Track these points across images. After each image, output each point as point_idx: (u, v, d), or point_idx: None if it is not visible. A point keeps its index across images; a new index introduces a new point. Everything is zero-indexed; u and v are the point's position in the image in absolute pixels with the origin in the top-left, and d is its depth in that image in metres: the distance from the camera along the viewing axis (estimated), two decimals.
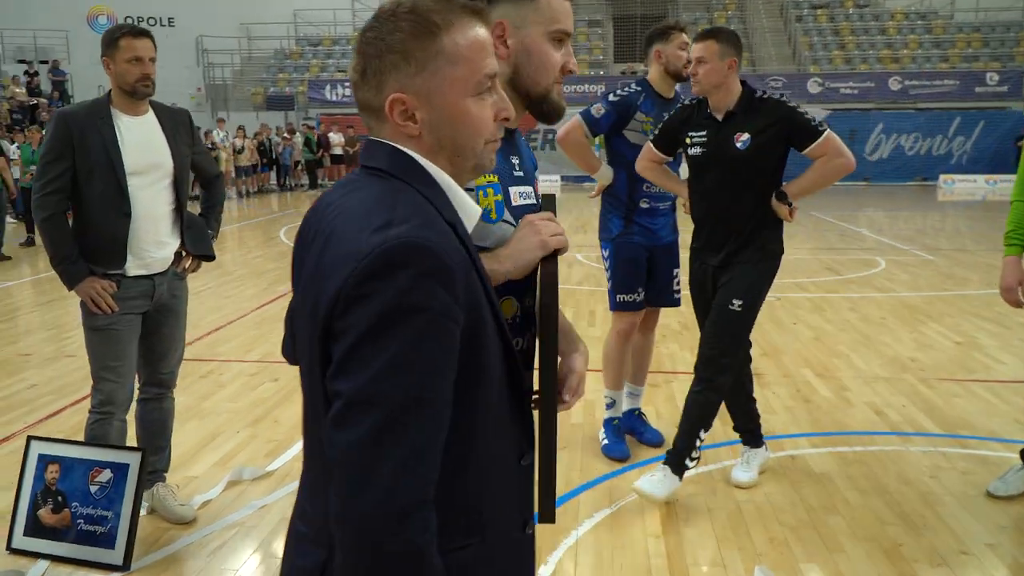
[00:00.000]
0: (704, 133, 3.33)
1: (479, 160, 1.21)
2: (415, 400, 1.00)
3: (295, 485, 3.45)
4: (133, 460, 3.01)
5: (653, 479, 3.36)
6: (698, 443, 3.37)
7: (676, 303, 4.14)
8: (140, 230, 3.11)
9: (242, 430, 4.36)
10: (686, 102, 3.52)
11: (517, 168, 1.66)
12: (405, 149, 1.17)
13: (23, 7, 23.57)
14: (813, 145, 3.19)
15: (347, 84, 24.04)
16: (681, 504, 3.47)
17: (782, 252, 3.40)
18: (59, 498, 2.99)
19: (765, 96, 3.26)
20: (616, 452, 3.96)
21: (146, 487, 3.25)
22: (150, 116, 3.17)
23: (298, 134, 22.45)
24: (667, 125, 3.51)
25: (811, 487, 3.62)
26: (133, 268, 3.12)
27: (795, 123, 3.19)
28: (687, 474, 3.45)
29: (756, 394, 3.72)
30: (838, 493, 3.56)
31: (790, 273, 8.87)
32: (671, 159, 3.65)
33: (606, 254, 4.01)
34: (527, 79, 1.61)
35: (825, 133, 3.17)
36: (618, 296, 3.98)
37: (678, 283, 4.09)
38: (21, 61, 22.68)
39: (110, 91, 3.10)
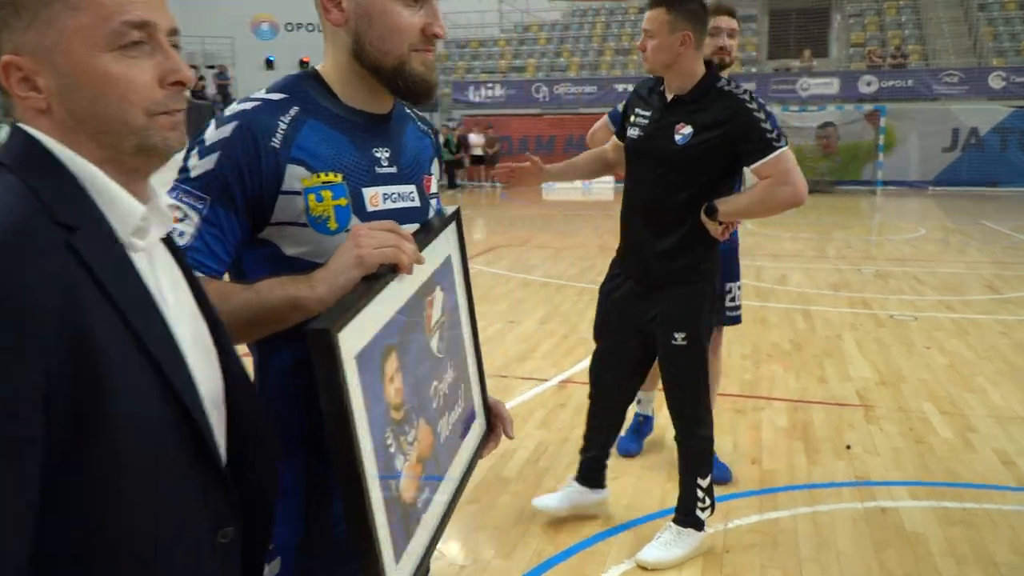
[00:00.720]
0: (648, 114, 2.73)
1: (142, 138, 0.88)
2: None
3: None
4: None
5: (657, 543, 2.93)
6: (700, 493, 2.90)
7: (732, 321, 3.63)
8: None
9: None
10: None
11: (385, 163, 1.33)
12: (31, 130, 0.86)
13: (193, 15, 25.23)
14: (761, 162, 2.55)
15: (490, 85, 24.49)
16: (732, 558, 2.98)
17: (716, 272, 2.84)
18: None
19: (727, 88, 2.63)
20: (620, 445, 3.72)
21: None
22: None
23: (439, 135, 22.81)
24: (627, 99, 2.91)
25: (897, 548, 3.03)
26: None
27: (748, 128, 2.55)
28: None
29: (859, 426, 3.16)
30: (928, 559, 2.95)
31: (937, 289, 7.90)
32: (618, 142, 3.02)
33: None
34: (372, 49, 1.27)
35: (779, 152, 2.54)
36: None
37: (733, 298, 3.60)
38: (191, 66, 24.28)
39: None
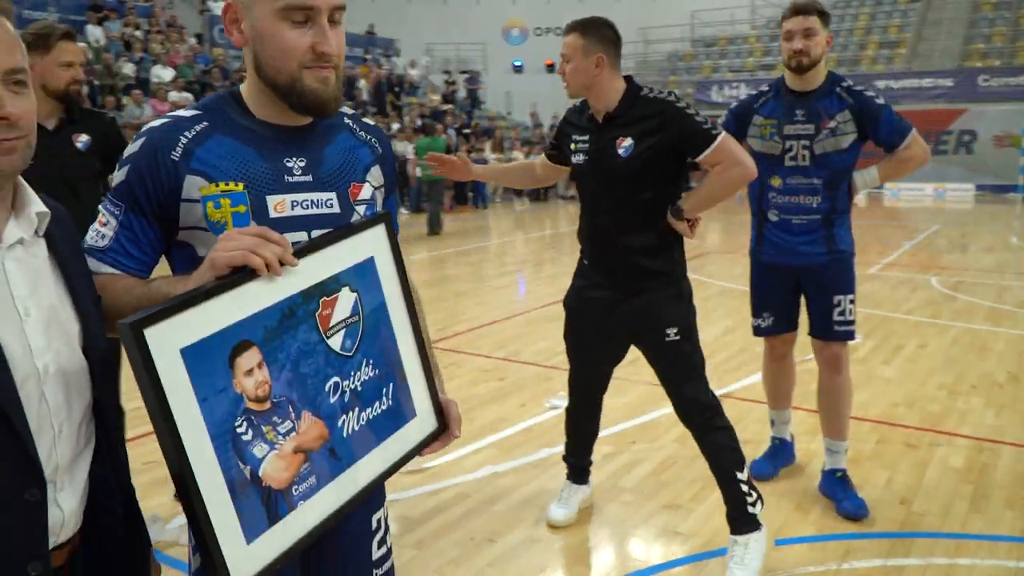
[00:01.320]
0: (586, 138, 2.83)
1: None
2: None
3: (441, 485, 3.42)
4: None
5: (735, 564, 2.80)
6: (744, 487, 2.83)
7: (842, 336, 3.31)
8: None
9: None
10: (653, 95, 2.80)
11: (299, 172, 1.43)
12: None
13: (449, 23, 26.94)
14: (706, 152, 2.64)
15: (735, 85, 23.69)
16: None
17: (685, 268, 2.92)
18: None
19: (652, 95, 2.72)
20: (754, 467, 3.56)
21: None
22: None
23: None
24: (558, 128, 3.04)
25: None
26: None
27: (684, 126, 2.65)
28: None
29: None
30: None
31: None
32: (568, 169, 3.03)
33: None
34: (267, 68, 1.38)
35: (719, 139, 2.64)
36: (753, 319, 3.54)
37: (843, 312, 3.28)
38: (446, 71, 25.91)
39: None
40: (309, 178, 1.44)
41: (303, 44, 1.35)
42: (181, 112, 1.43)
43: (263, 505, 1.26)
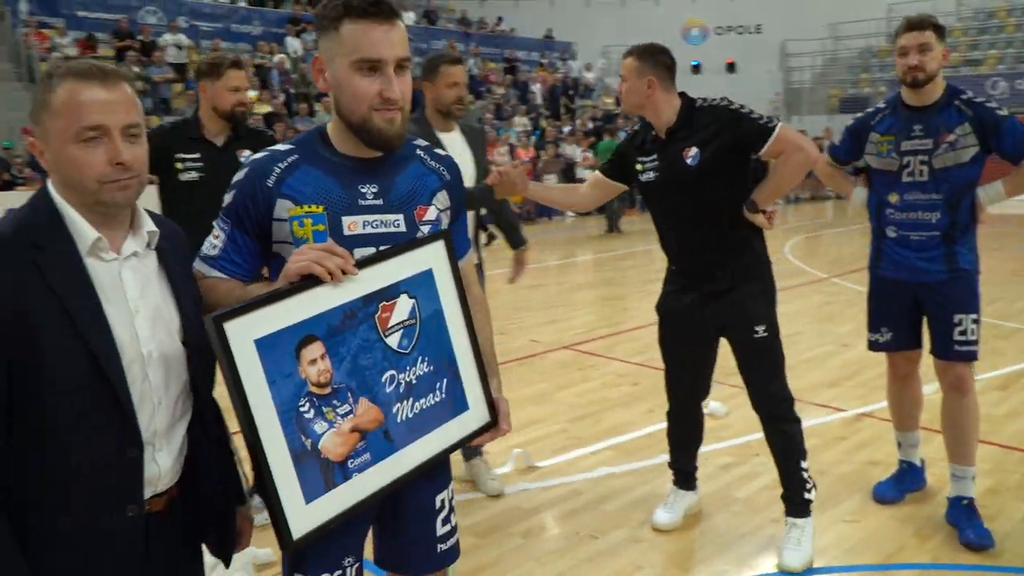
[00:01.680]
0: (654, 156, 3.00)
1: (98, 196, 1.36)
2: None
3: (556, 481, 3.61)
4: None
5: (792, 546, 3.04)
6: (805, 475, 3.09)
7: (962, 356, 3.15)
8: None
9: (563, 423, 4.63)
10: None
11: (371, 196, 1.66)
12: (48, 181, 1.38)
13: (627, 25, 26.83)
14: (768, 144, 2.82)
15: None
16: None
17: (769, 262, 3.08)
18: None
19: (706, 104, 2.92)
20: (877, 490, 3.59)
21: (466, 459, 3.75)
22: (457, 133, 3.59)
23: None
24: (618, 149, 3.25)
25: None
26: None
27: (742, 125, 2.84)
28: None
29: None
30: None
31: None
32: (625, 188, 3.28)
33: None
34: (344, 110, 1.62)
35: (777, 129, 2.81)
36: (868, 333, 3.46)
37: (963, 331, 3.13)
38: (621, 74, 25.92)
39: (424, 109, 3.60)
40: (380, 202, 1.67)
41: (372, 90, 1.58)
42: (279, 147, 1.70)
43: (321, 473, 1.50)
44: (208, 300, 1.61)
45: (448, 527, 1.89)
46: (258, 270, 1.71)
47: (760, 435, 3.17)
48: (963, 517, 3.22)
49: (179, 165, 3.30)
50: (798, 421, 3.08)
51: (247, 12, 18.78)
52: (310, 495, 1.49)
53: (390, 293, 1.60)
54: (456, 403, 1.74)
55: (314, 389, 1.49)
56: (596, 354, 6.08)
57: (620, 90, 3.01)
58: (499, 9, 26.54)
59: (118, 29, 15.55)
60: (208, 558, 1.67)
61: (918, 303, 3.27)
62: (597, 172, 3.36)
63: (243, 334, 1.41)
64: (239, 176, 1.67)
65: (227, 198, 1.68)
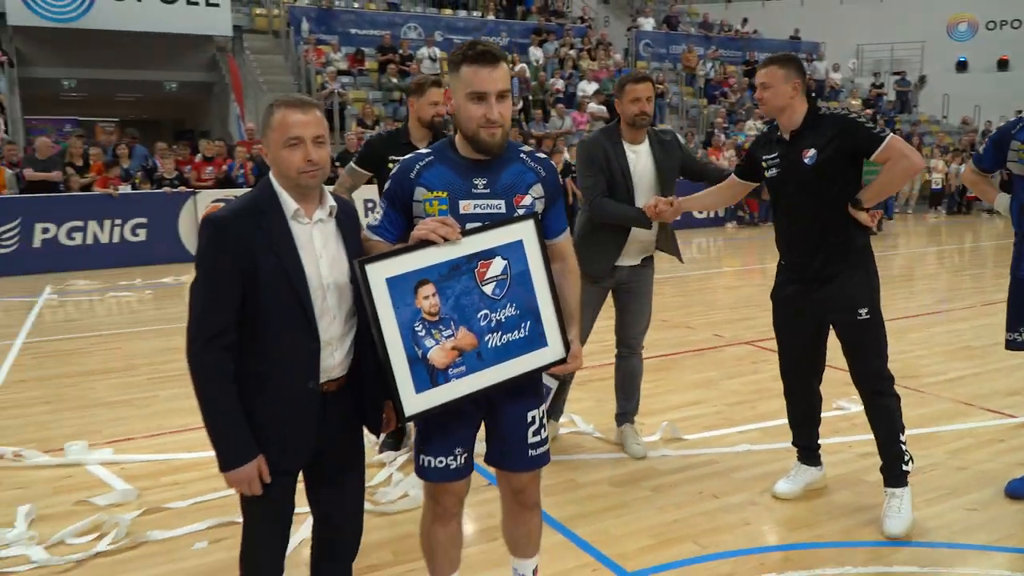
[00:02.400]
0: (776, 154, 3.42)
1: (296, 182, 2.09)
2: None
3: (697, 452, 4.09)
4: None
5: (893, 514, 3.33)
6: (903, 447, 3.38)
7: None
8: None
9: (720, 406, 4.99)
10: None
11: (481, 187, 2.30)
12: (270, 172, 2.14)
13: (884, 22, 25.33)
14: (878, 151, 3.18)
15: None
16: None
17: (872, 254, 3.40)
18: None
19: (828, 112, 3.33)
20: (1011, 487, 3.65)
21: (618, 424, 4.32)
22: (645, 144, 4.00)
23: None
24: (747, 154, 3.65)
25: None
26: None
27: (857, 133, 3.21)
28: None
29: None
30: None
31: None
32: (755, 184, 3.68)
33: None
34: (461, 126, 2.26)
35: (888, 138, 3.17)
36: (1006, 333, 3.66)
37: None
38: (875, 73, 24.52)
39: (618, 122, 3.99)
40: (488, 190, 2.29)
41: (479, 114, 2.21)
42: (422, 151, 2.38)
43: (427, 374, 2.15)
44: (368, 253, 2.32)
45: (538, 438, 2.45)
46: (403, 237, 2.38)
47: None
48: None
49: (390, 165, 4.12)
50: (898, 397, 3.37)
51: (495, 24, 20.26)
52: (419, 388, 2.14)
53: (487, 255, 2.21)
54: (537, 340, 2.30)
55: (426, 316, 2.14)
56: (773, 350, 6.27)
57: (760, 97, 3.39)
58: (745, 10, 26.19)
59: (382, 44, 17.51)
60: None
61: None
62: (732, 175, 3.78)
63: (378, 273, 2.08)
64: (394, 171, 2.36)
65: (387, 186, 2.38)
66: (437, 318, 2.16)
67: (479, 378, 2.22)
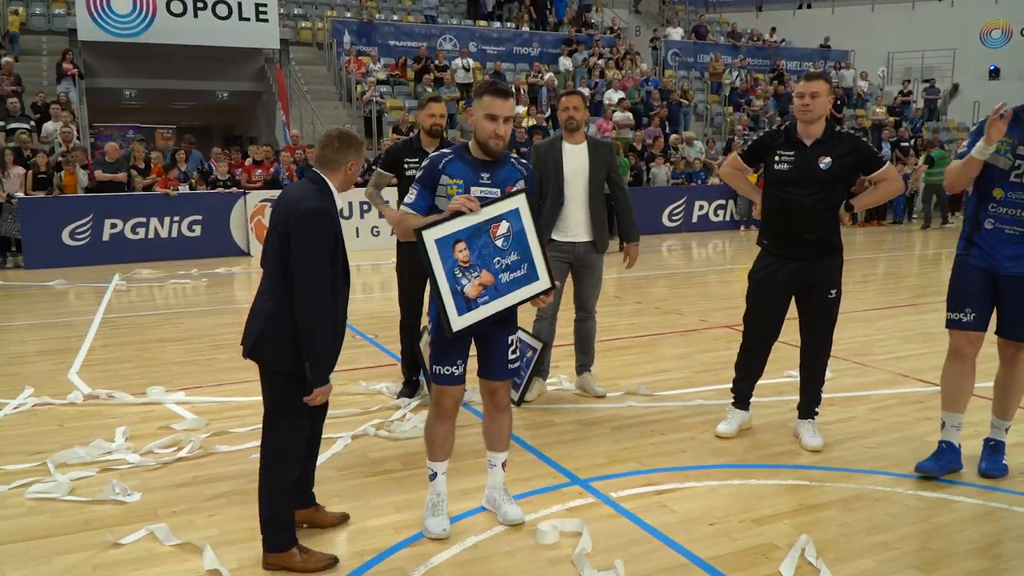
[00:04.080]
0: (792, 153, 4.24)
1: (348, 185, 3.09)
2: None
3: (656, 405, 5.02)
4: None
5: (810, 435, 4.38)
6: (820, 396, 4.48)
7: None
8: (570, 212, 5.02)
9: (688, 373, 5.83)
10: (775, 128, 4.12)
11: (485, 179, 3.27)
12: (322, 174, 3.07)
13: (915, 30, 25.55)
14: (878, 171, 4.19)
15: None
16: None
17: (842, 245, 4.31)
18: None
19: (843, 131, 4.24)
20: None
21: (578, 373, 5.30)
22: (583, 145, 4.97)
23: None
24: (757, 143, 4.44)
25: None
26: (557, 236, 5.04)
27: (866, 154, 4.18)
28: None
29: None
30: None
31: None
32: (751, 170, 4.51)
33: None
34: (478, 135, 3.24)
35: (887, 162, 4.21)
36: (947, 313, 3.95)
37: None
38: (905, 81, 24.82)
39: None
40: (490, 182, 3.25)
41: (491, 129, 3.17)
42: (445, 150, 3.32)
43: (465, 303, 3.12)
44: (405, 222, 3.26)
45: (514, 356, 3.39)
46: (430, 211, 3.29)
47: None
48: (986, 452, 4.01)
49: (405, 166, 5.06)
50: (823, 360, 4.44)
51: (528, 35, 21.21)
52: (460, 312, 3.11)
53: (497, 219, 3.16)
54: (531, 276, 3.24)
55: (461, 264, 3.11)
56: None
57: (805, 104, 4.11)
58: (775, 19, 26.72)
59: (418, 55, 18.55)
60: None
61: (996, 291, 3.83)
62: (737, 157, 4.50)
63: (430, 236, 3.05)
64: (426, 162, 3.31)
65: (419, 173, 3.32)
66: (468, 264, 3.14)
67: (496, 304, 3.19)
